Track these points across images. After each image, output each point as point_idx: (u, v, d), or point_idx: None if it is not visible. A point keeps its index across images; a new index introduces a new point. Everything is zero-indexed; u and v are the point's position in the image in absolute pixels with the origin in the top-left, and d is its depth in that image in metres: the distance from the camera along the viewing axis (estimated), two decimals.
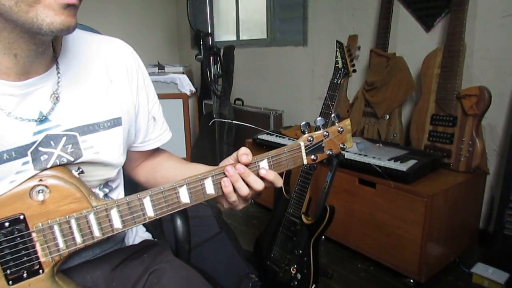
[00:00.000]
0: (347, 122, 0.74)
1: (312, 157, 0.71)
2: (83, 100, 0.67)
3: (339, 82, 1.38)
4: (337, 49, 1.39)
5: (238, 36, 3.65)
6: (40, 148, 0.61)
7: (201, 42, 2.89)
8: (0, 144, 0.58)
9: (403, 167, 1.69)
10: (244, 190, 0.65)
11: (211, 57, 2.90)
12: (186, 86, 3.25)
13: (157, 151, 0.89)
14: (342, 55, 1.38)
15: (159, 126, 0.84)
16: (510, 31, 1.84)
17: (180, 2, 4.35)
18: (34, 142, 0.61)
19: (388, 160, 1.77)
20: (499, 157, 1.96)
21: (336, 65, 1.39)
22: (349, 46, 1.43)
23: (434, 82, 1.96)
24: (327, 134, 0.72)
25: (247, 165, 0.65)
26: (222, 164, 0.69)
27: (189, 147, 3.33)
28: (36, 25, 0.51)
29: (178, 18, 4.51)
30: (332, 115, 0.73)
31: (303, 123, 0.71)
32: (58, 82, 0.63)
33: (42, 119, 0.62)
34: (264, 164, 0.67)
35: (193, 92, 3.31)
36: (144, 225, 0.95)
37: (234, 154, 0.67)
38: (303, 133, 0.71)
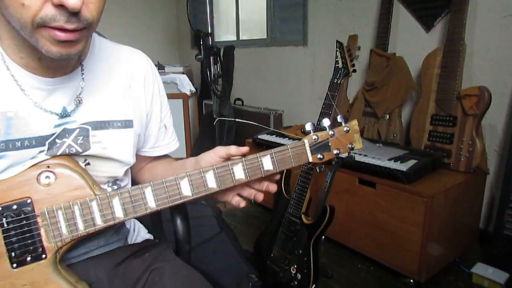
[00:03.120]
0: (354, 122, 0.73)
1: (319, 156, 0.71)
2: (101, 101, 0.71)
3: (339, 82, 1.38)
4: (337, 49, 1.39)
5: (238, 36, 3.65)
6: (56, 140, 0.66)
7: (201, 42, 2.90)
8: (24, 131, 0.63)
9: (403, 167, 1.69)
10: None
11: (211, 57, 2.90)
12: (186, 86, 3.25)
13: (163, 157, 0.92)
14: (342, 55, 1.38)
15: (169, 135, 0.89)
16: (510, 31, 1.84)
17: (180, 2, 4.35)
18: (53, 134, 0.66)
19: (388, 160, 1.77)
20: (499, 157, 1.96)
21: (336, 65, 1.39)
22: (349, 46, 1.43)
23: (434, 82, 1.96)
24: (332, 133, 0.71)
25: (246, 155, 0.68)
26: (204, 160, 0.72)
27: (189, 147, 3.33)
28: (39, 48, 0.55)
29: (178, 18, 4.51)
30: (339, 116, 0.73)
31: (309, 123, 0.71)
32: (81, 83, 0.69)
33: (64, 115, 0.66)
34: (266, 160, 0.68)
35: (193, 92, 3.31)
36: (145, 226, 0.96)
37: (220, 151, 0.69)
38: (309, 133, 0.71)
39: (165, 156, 0.92)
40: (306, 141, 0.70)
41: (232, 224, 2.35)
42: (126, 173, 0.80)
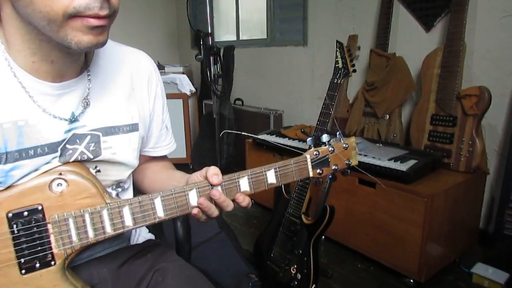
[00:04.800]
0: (352, 139, 0.78)
1: (318, 171, 0.75)
2: (108, 104, 0.72)
3: (339, 82, 1.38)
4: (337, 49, 1.39)
5: (238, 36, 3.65)
6: (67, 146, 0.66)
7: (201, 42, 2.89)
8: (36, 139, 0.63)
9: (403, 167, 1.69)
10: (216, 213, 0.68)
11: (211, 57, 2.90)
12: (186, 86, 3.25)
13: (162, 158, 0.92)
14: (342, 55, 1.38)
15: (169, 135, 0.90)
16: (510, 31, 1.84)
17: (180, 2, 4.35)
18: (64, 140, 0.66)
19: (388, 160, 1.77)
20: (499, 157, 1.96)
21: (336, 65, 1.39)
22: (349, 46, 1.43)
23: (434, 82, 1.96)
24: (332, 149, 0.75)
25: (218, 185, 0.67)
26: (190, 180, 0.71)
27: (189, 147, 3.33)
28: (66, 43, 0.55)
29: (178, 18, 4.51)
30: (338, 133, 0.77)
31: (310, 138, 0.76)
32: (88, 86, 0.69)
33: (73, 120, 0.67)
34: (271, 174, 0.70)
35: (193, 92, 3.31)
36: (146, 226, 0.96)
37: (203, 172, 0.68)
38: (310, 147, 0.75)
39: (164, 158, 0.92)
40: (308, 156, 0.73)
41: (232, 224, 2.35)
42: (129, 176, 0.81)
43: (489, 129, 1.95)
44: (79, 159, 0.67)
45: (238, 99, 3.38)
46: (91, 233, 0.63)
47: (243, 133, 1.02)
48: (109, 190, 0.77)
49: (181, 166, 0.85)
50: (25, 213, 0.60)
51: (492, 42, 1.90)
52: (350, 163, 0.77)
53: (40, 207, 0.61)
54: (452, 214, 1.76)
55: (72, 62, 0.64)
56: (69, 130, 0.66)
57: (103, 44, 0.58)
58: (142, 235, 0.92)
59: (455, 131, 1.88)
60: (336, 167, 0.76)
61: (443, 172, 1.86)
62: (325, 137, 0.75)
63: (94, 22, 0.54)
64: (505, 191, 1.74)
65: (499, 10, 1.86)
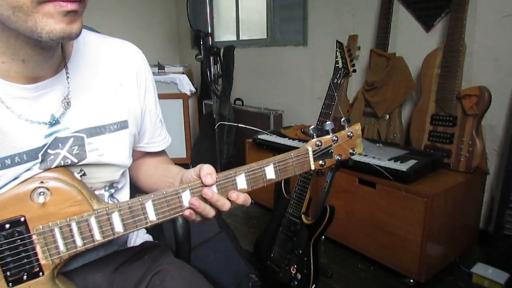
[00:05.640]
0: (357, 127, 0.72)
1: (320, 162, 0.70)
2: (92, 103, 0.67)
3: (339, 82, 1.38)
4: (337, 49, 1.39)
5: (238, 36, 3.65)
6: (49, 151, 0.62)
7: (201, 42, 2.89)
8: (12, 147, 0.58)
9: (403, 167, 1.69)
10: (212, 213, 0.64)
11: (211, 57, 2.90)
12: (186, 86, 3.25)
13: (159, 153, 0.90)
14: (342, 55, 1.38)
15: (164, 130, 0.86)
16: (510, 31, 1.84)
17: (180, 2, 4.35)
18: (45, 145, 0.61)
19: (388, 160, 1.77)
20: (499, 157, 1.96)
21: (336, 65, 1.39)
22: (349, 46, 1.43)
23: (434, 82, 1.96)
24: (336, 139, 0.70)
25: (212, 185, 0.63)
26: (184, 177, 0.68)
27: (189, 147, 3.33)
28: (36, 34, 0.50)
29: (178, 18, 4.51)
30: (342, 120, 0.71)
31: (312, 127, 0.70)
32: (68, 86, 0.64)
33: (53, 123, 0.62)
34: (269, 170, 0.66)
35: (193, 92, 3.31)
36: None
37: (197, 170, 0.65)
38: (312, 137, 0.69)
39: (161, 152, 0.90)
40: (309, 148, 0.68)
41: (232, 224, 2.35)
42: (123, 174, 0.78)
43: (489, 129, 1.95)
44: (61, 164, 0.63)
45: (238, 99, 3.38)
46: (79, 242, 0.60)
47: (240, 124, 1.00)
48: (101, 192, 0.74)
49: (181, 166, 0.83)
50: (7, 226, 0.57)
51: (492, 42, 1.90)
52: (354, 152, 0.72)
53: (22, 219, 0.57)
54: (452, 214, 1.76)
55: (46, 59, 0.59)
56: (50, 134, 0.61)
57: (76, 34, 0.53)
58: (140, 236, 0.90)
59: (455, 131, 1.88)
60: (339, 157, 0.71)
61: (443, 172, 1.86)
62: (328, 125, 0.70)
63: (68, 6, 0.49)
64: (505, 191, 1.74)
65: (499, 10, 1.86)
